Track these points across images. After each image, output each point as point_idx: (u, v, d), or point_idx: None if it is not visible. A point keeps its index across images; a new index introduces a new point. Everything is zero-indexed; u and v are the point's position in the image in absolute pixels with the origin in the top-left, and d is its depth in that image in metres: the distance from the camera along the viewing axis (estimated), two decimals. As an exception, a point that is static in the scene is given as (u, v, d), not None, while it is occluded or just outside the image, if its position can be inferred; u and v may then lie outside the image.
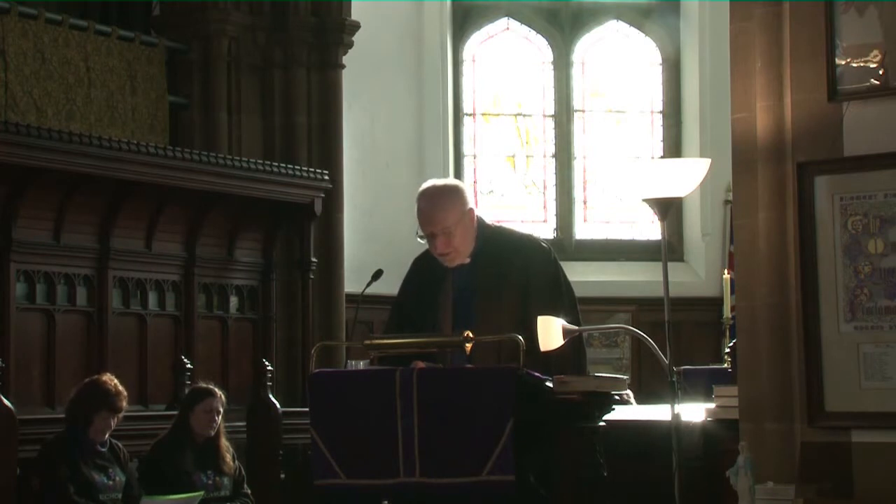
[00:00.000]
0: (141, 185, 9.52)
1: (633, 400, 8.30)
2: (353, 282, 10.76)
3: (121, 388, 7.53)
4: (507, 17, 13.55)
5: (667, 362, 5.94)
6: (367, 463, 5.03)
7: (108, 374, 7.76)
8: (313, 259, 10.74)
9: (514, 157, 13.51)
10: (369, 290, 5.88)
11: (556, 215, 13.42)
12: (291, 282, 10.85)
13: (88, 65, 10.21)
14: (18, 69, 9.72)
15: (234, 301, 10.49)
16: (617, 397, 5.20)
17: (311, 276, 10.74)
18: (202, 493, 7.62)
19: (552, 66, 13.51)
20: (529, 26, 13.56)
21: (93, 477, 7.36)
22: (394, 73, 12.65)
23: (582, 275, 11.69)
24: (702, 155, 12.08)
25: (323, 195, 10.70)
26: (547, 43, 13.53)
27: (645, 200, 6.34)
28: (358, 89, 11.87)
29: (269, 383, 9.24)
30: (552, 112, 13.46)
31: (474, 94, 13.46)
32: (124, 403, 7.50)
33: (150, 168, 9.47)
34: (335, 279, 11.18)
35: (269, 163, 10.41)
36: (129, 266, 9.73)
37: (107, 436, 7.47)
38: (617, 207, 13.40)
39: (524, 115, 13.55)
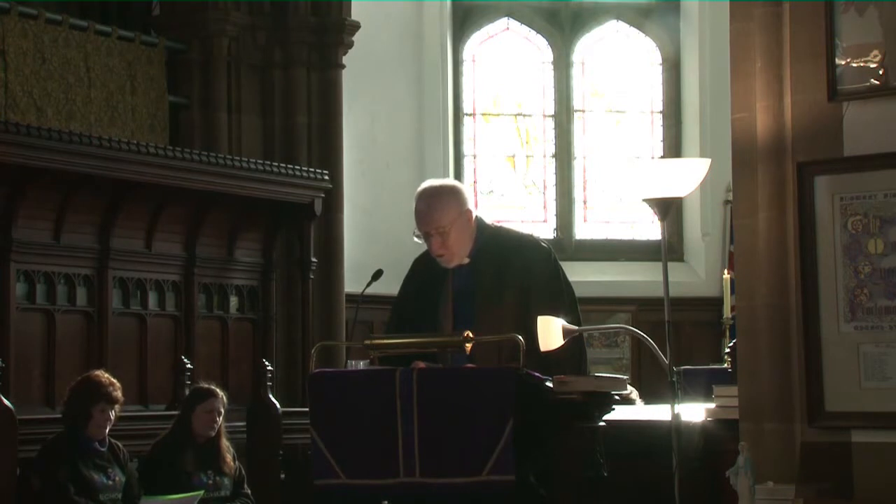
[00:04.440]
0: (141, 185, 9.52)
1: (639, 400, 8.32)
2: (353, 282, 10.76)
3: (114, 379, 7.53)
4: (507, 17, 13.55)
5: (667, 362, 5.95)
6: (367, 463, 5.03)
7: (100, 370, 7.77)
8: (313, 259, 10.74)
9: (514, 157, 13.51)
10: (369, 290, 5.86)
11: (556, 215, 13.42)
12: (291, 282, 10.85)
13: (88, 65, 10.21)
14: (18, 69, 9.72)
15: (234, 301, 10.49)
16: (618, 397, 5.20)
17: (311, 276, 10.75)
18: (202, 492, 7.62)
19: (552, 66, 13.51)
20: (529, 26, 13.56)
21: (92, 477, 7.35)
22: (394, 73, 12.65)
23: (582, 275, 11.69)
24: (702, 155, 12.08)
25: (323, 195, 10.70)
26: (547, 43, 13.53)
27: (645, 200, 6.35)
28: (358, 89, 11.87)
29: (269, 383, 9.23)
30: (552, 112, 13.47)
31: (474, 94, 13.46)
32: (120, 394, 7.49)
33: (150, 168, 9.47)
34: (335, 279, 11.18)
35: (269, 163, 10.40)
36: (129, 266, 9.73)
37: (107, 431, 7.46)
38: (617, 207, 13.40)
39: (524, 115, 13.55)
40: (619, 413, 5.37)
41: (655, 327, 7.45)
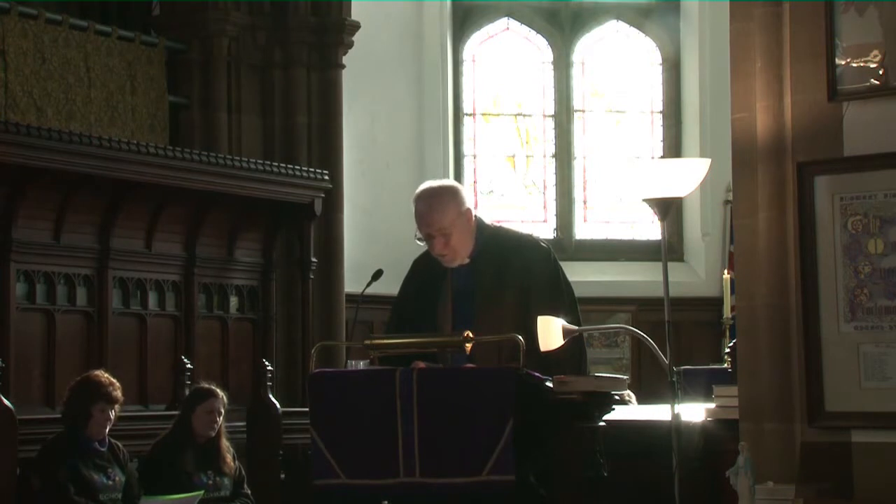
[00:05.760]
0: (141, 185, 9.53)
1: (634, 401, 8.32)
2: (353, 282, 10.76)
3: (114, 379, 7.54)
4: (507, 17, 13.55)
5: (667, 362, 5.95)
6: (367, 463, 5.04)
7: (100, 370, 7.77)
8: (313, 259, 10.74)
9: (514, 157, 13.51)
10: (369, 290, 5.87)
11: (556, 215, 13.42)
12: (291, 282, 10.85)
13: (88, 65, 10.20)
14: (18, 69, 9.72)
15: (234, 301, 10.49)
16: (617, 397, 5.21)
17: (311, 276, 10.75)
18: (202, 492, 7.62)
19: (552, 66, 13.51)
20: (529, 26, 13.56)
21: (92, 477, 7.36)
22: (394, 73, 12.65)
23: (582, 275, 11.69)
24: (702, 155, 12.08)
25: (323, 195, 10.70)
26: (547, 43, 13.53)
27: (645, 200, 6.35)
28: (358, 89, 11.87)
29: (269, 383, 9.24)
30: (552, 112, 13.46)
31: (474, 94, 13.46)
32: (120, 394, 7.50)
33: (150, 168, 9.47)
34: (335, 279, 11.18)
35: (269, 163, 10.40)
36: (129, 266, 9.73)
37: (107, 430, 7.46)
38: (617, 207, 13.39)
39: (524, 115, 13.55)
40: (619, 413, 5.37)
41: (655, 327, 7.45)
